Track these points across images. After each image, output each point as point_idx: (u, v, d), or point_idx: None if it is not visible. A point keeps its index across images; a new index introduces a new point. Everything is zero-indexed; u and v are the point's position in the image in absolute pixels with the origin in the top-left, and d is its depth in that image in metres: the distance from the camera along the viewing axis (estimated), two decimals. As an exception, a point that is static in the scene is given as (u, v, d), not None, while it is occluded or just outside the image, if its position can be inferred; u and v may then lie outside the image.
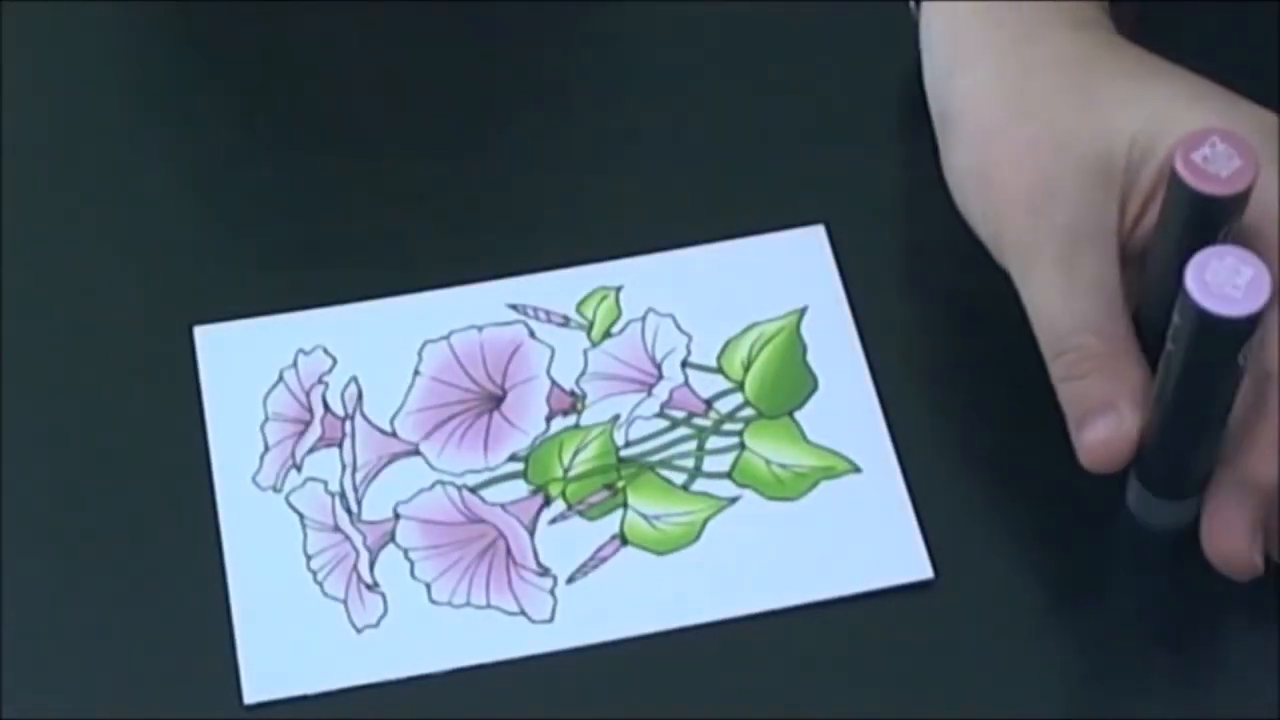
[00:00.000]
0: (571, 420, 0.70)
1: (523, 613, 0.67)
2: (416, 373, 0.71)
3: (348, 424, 0.70)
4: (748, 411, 0.70)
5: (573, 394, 0.71)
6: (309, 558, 0.68)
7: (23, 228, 0.74)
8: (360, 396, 0.71)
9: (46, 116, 0.77)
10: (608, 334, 0.72)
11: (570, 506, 0.69)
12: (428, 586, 0.67)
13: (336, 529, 0.68)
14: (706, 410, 0.70)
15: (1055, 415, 0.70)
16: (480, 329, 0.72)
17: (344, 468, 0.69)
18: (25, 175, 0.75)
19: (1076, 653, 0.66)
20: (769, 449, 0.70)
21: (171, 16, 0.75)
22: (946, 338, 0.72)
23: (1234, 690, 0.66)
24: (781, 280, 0.73)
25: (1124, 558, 0.68)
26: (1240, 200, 0.62)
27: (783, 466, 0.69)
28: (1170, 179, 0.62)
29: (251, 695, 0.65)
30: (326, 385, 0.71)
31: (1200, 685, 0.66)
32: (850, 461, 0.69)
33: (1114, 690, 0.66)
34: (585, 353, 0.72)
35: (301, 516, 0.68)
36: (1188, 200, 0.62)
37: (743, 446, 0.70)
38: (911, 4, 0.72)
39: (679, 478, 0.69)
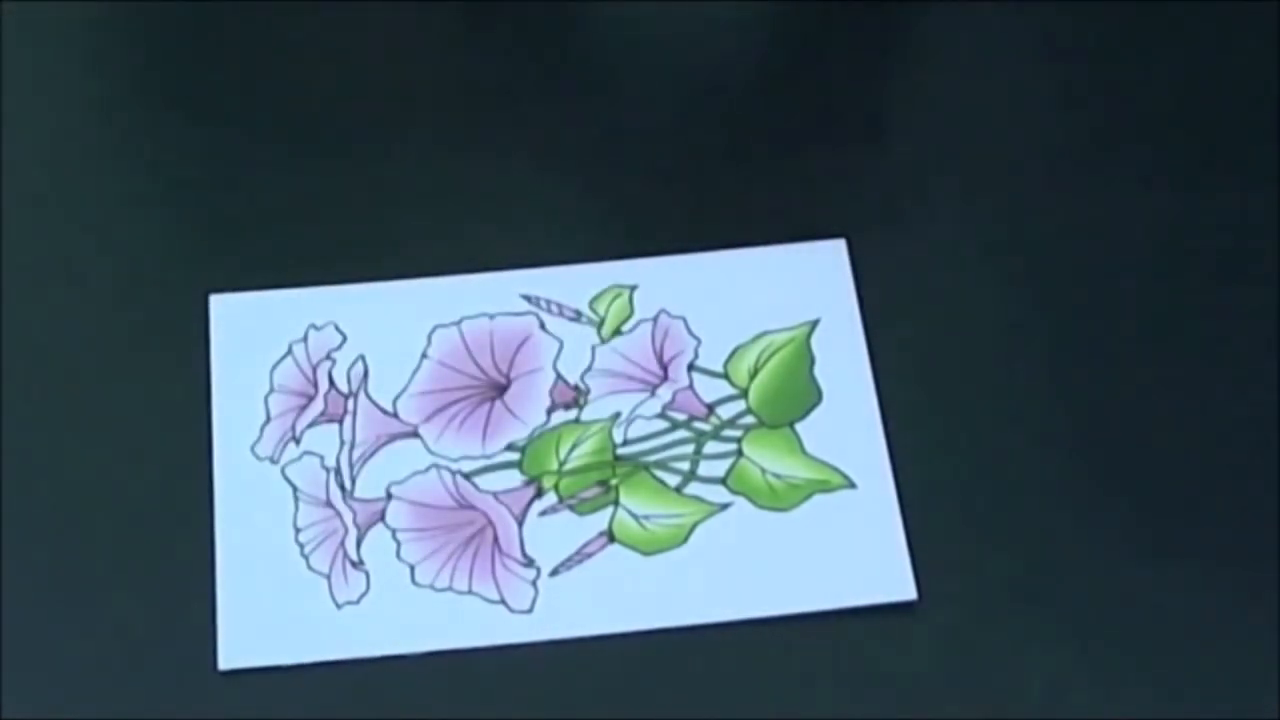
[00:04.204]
0: (572, 414, 0.70)
1: (503, 601, 0.67)
2: (424, 356, 0.71)
3: (350, 401, 0.70)
4: (749, 419, 0.70)
5: (576, 388, 0.71)
6: (298, 530, 0.68)
7: (44, 198, 0.75)
8: (366, 375, 0.71)
9: (68, 101, 0.78)
10: (618, 332, 0.72)
11: (562, 500, 0.69)
12: (412, 568, 0.67)
13: (328, 504, 0.68)
14: (708, 415, 0.70)
15: (1059, 448, 0.69)
16: (492, 317, 0.72)
17: (342, 444, 0.70)
18: (61, 148, 0.76)
19: (1073, 663, 0.66)
20: (766, 458, 0.69)
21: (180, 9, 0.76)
22: (955, 363, 0.71)
23: (1234, 690, 0.65)
24: (797, 291, 0.72)
25: (1123, 572, 0.68)
26: None
27: (777, 476, 0.69)
28: None
29: (227, 661, 0.66)
30: (334, 362, 0.71)
31: (1200, 685, 0.65)
32: (846, 477, 0.69)
33: (1114, 691, 0.65)
34: (593, 348, 0.71)
35: (295, 489, 0.69)
36: None
37: (740, 454, 0.69)
38: None
39: (673, 480, 0.69)
